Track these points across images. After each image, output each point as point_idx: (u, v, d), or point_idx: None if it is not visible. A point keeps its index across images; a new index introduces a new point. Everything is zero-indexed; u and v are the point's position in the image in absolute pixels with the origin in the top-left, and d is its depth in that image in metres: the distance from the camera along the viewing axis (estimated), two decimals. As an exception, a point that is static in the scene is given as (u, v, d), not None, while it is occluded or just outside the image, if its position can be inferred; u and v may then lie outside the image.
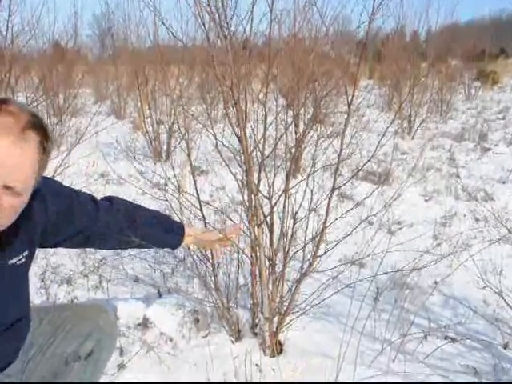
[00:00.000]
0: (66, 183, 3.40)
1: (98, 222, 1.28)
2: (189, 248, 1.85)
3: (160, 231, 1.44)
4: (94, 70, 9.88)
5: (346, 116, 1.66)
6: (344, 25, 7.53)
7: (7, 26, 2.99)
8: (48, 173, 1.28)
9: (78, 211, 1.23)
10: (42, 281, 2.38)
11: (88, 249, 2.77)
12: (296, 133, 2.19)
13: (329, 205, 1.77)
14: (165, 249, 1.50)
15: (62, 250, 2.78)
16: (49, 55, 6.48)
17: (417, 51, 7.67)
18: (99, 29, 12.33)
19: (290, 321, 1.84)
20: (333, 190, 1.77)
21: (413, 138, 6.65)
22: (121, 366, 1.73)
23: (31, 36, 3.59)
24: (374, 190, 1.96)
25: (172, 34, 2.11)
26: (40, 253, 2.59)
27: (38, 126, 0.94)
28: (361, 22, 1.68)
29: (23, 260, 1.08)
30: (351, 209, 1.93)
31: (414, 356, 1.84)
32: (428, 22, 10.24)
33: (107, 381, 1.65)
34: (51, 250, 2.75)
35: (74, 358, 1.23)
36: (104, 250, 2.57)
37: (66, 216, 1.19)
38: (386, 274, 2.04)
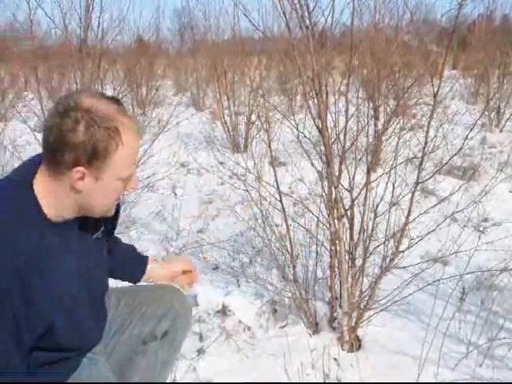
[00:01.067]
0: (149, 172, 3.51)
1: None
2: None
3: (128, 258, 1.38)
4: (174, 63, 10.20)
5: (430, 108, 1.59)
6: (426, 12, 7.19)
7: (98, 22, 3.16)
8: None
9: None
10: (128, 264, 2.50)
11: (170, 235, 2.89)
12: (376, 125, 2.13)
13: (412, 199, 1.71)
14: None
15: (146, 236, 2.91)
16: (133, 49, 6.77)
17: (508, 37, 7.13)
18: (179, 22, 12.68)
19: (370, 316, 1.80)
20: (417, 184, 1.70)
21: (501, 131, 6.23)
22: (200, 351, 1.78)
23: (118, 32, 3.76)
24: (461, 186, 1.87)
25: (254, 25, 2.14)
26: (124, 237, 2.72)
27: None
28: (448, 9, 1.60)
29: (101, 235, 1.14)
30: (436, 204, 1.85)
31: (504, 362, 1.73)
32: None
33: (187, 364, 1.71)
34: (135, 235, 2.89)
35: (150, 338, 1.28)
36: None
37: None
38: (473, 273, 1.94)
